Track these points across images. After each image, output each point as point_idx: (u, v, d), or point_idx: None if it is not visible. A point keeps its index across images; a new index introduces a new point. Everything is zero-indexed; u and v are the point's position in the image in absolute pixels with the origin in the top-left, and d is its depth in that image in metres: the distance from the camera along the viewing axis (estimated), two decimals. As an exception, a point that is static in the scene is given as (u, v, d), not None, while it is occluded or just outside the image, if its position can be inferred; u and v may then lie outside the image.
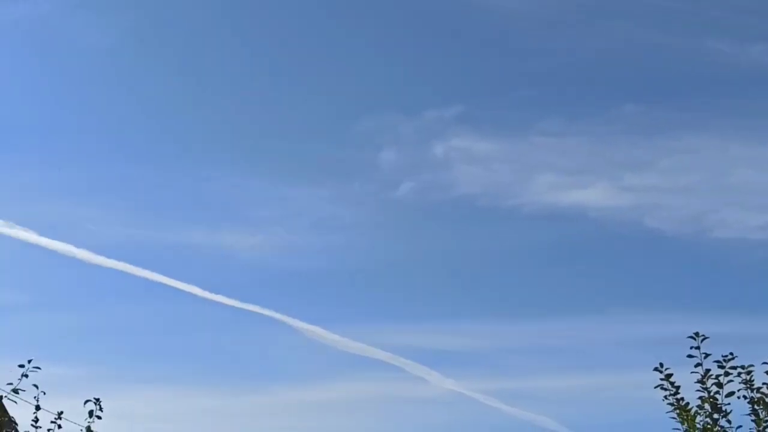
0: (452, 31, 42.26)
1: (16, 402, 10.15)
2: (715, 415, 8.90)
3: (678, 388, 9.14)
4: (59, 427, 10.24)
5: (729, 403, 8.89)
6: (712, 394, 8.93)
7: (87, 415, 10.34)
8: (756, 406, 8.85)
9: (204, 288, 36.57)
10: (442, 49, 43.25)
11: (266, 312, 37.81)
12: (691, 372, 9.04)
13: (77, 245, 35.04)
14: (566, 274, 46.11)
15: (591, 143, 44.51)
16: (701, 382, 8.99)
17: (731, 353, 8.95)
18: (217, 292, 36.76)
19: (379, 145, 44.23)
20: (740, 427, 8.89)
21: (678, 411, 9.08)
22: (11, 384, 10.09)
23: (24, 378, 10.03)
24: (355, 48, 42.52)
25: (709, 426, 8.87)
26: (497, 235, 45.38)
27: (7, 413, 10.31)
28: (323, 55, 42.59)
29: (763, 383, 8.87)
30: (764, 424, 8.83)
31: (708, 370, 8.96)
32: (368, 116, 43.89)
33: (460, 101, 43.49)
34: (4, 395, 10.13)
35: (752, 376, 8.87)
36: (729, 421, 8.88)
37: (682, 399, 9.11)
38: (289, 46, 42.64)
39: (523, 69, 43.86)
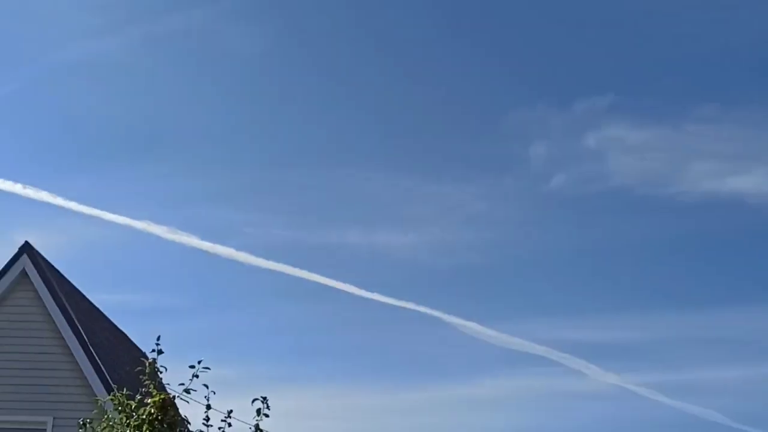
0: (601, 18, 41.40)
1: (188, 402, 10.50)
2: None
3: None
4: (229, 425, 10.53)
5: None
6: None
7: (255, 413, 10.62)
8: None
9: (360, 287, 36.99)
10: (591, 38, 42.43)
11: (422, 309, 37.97)
12: None
13: (237, 248, 35.99)
14: (727, 262, 44.65)
15: (748, 129, 42.84)
16: None
17: None
18: (373, 291, 37.13)
19: (529, 138, 43.77)
20: None
21: None
22: (183, 384, 10.44)
23: (195, 378, 10.37)
24: (503, 41, 42.19)
25: None
26: (654, 224, 44.26)
27: (180, 413, 10.66)
28: (471, 51, 42.44)
29: None
30: None
31: None
32: (518, 110, 43.46)
33: (611, 90, 42.53)
34: (176, 395, 10.48)
35: None
36: None
37: None
38: (437, 44, 42.68)
39: (676, 54, 42.54)
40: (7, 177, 31.84)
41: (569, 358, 39.17)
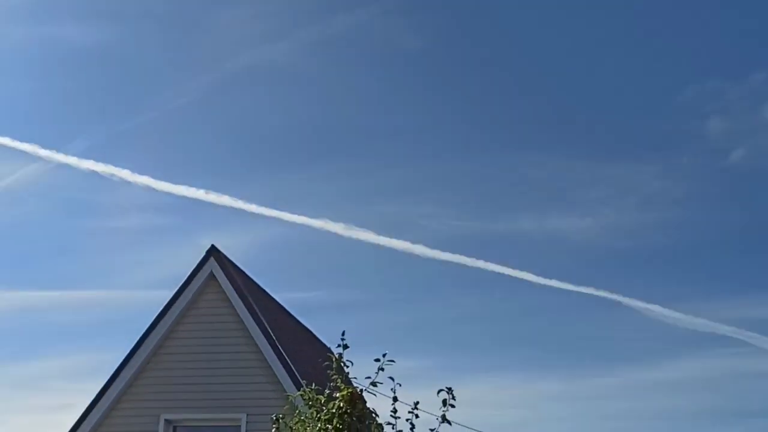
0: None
1: (375, 395, 10.63)
2: None
3: None
4: (416, 416, 10.61)
5: None
6: None
7: (441, 404, 10.66)
8: None
9: (537, 274, 36.64)
10: (765, 6, 40.59)
11: (601, 293, 37.30)
12: None
13: (413, 241, 36.22)
14: None
15: None
16: None
17: None
18: (550, 277, 36.72)
19: (705, 113, 42.29)
20: None
21: None
22: (369, 378, 10.59)
23: (380, 371, 10.50)
24: (674, 16, 40.92)
25: None
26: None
27: (367, 406, 10.81)
28: (641, 28, 41.38)
29: None
30: None
31: None
32: (691, 85, 42.05)
33: (788, 59, 40.64)
34: (363, 388, 10.64)
35: None
36: None
37: None
38: (603, 24, 41.78)
39: None
40: (191, 184, 33.16)
41: (757, 338, 37.72)
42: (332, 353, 10.96)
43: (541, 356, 42.22)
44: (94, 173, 33.75)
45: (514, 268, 36.54)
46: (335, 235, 35.70)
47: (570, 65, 42.78)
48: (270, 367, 17.18)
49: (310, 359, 18.82)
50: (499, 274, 36.31)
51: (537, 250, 43.72)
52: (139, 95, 42.75)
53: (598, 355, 42.26)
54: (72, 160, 34.12)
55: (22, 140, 33.29)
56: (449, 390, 10.60)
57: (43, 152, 33.85)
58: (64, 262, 43.81)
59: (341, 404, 10.38)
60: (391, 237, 35.78)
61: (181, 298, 18.16)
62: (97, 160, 33.77)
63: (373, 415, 10.78)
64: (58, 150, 34.76)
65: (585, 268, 44.05)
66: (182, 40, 41.11)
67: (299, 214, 34.47)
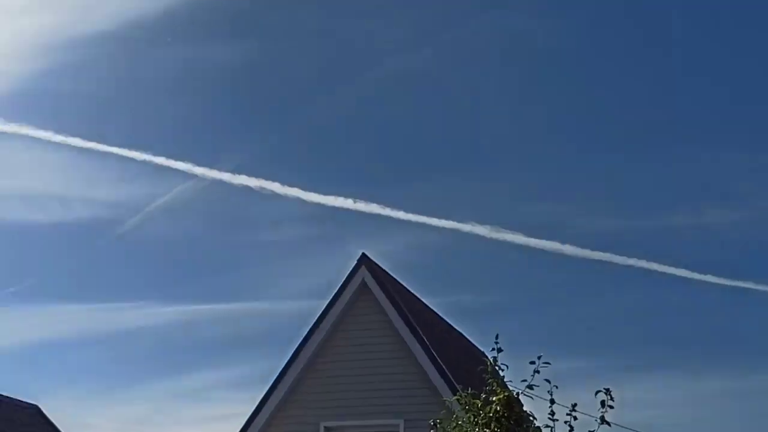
0: None
1: (531, 398, 10.61)
2: None
3: None
4: (575, 419, 10.51)
5: None
6: None
7: (599, 406, 10.54)
8: None
9: (693, 269, 35.62)
10: None
11: (761, 287, 36.00)
12: None
13: (562, 241, 35.76)
14: None
15: None
16: None
17: None
18: (706, 273, 35.65)
19: None
20: None
21: None
22: (525, 381, 10.57)
23: (536, 374, 10.46)
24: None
25: None
26: None
27: (524, 409, 10.79)
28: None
29: None
30: None
31: None
32: None
33: None
34: (519, 392, 10.63)
35: None
36: None
37: None
38: (750, 14, 40.40)
39: None
40: (339, 193, 33.65)
41: None
42: (486, 357, 10.99)
43: (701, 353, 41.05)
44: (246, 188, 34.65)
45: (668, 264, 35.69)
46: (483, 238, 35.58)
47: (719, 55, 41.53)
48: (425, 372, 17.28)
49: (464, 363, 18.84)
50: (652, 270, 35.51)
51: (691, 245, 42.50)
52: (286, 109, 43.61)
53: (761, 350, 40.80)
54: (225, 176, 35.10)
55: (176, 159, 34.45)
56: (607, 391, 10.47)
57: (198, 170, 34.93)
58: (222, 275, 45.05)
59: (498, 408, 10.39)
60: (539, 238, 35.44)
61: (335, 306, 18.46)
62: (248, 174, 34.68)
63: (531, 418, 10.75)
64: (211, 167, 35.86)
65: (742, 262, 42.61)
66: (325, 52, 41.72)
67: (447, 219, 34.53)
